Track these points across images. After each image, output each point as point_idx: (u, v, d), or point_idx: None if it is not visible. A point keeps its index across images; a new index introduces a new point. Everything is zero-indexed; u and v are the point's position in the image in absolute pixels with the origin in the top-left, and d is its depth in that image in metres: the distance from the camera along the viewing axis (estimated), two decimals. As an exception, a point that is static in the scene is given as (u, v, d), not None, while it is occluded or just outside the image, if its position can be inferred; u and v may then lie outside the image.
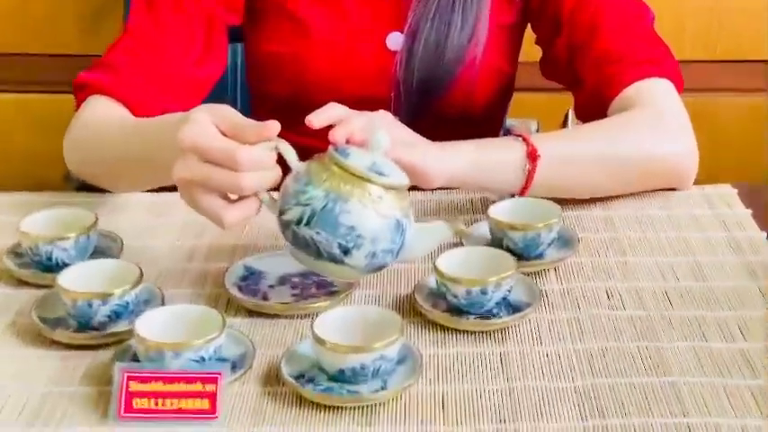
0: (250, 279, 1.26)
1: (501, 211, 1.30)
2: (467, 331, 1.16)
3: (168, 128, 1.15)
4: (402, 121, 1.34)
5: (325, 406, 1.05)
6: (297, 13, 1.53)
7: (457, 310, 1.18)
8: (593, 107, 1.46)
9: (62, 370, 1.11)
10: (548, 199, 1.31)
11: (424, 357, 1.11)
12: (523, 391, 1.07)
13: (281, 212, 1.13)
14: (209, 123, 1.11)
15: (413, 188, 1.26)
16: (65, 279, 1.16)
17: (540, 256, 1.28)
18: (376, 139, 1.16)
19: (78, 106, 1.44)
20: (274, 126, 1.10)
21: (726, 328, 1.16)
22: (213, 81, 1.53)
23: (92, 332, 1.15)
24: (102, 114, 1.40)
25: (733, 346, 1.12)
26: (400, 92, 1.52)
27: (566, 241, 1.31)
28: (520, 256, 1.26)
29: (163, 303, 1.20)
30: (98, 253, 1.31)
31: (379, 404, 1.05)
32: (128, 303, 1.16)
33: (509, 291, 1.18)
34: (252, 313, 1.21)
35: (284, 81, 1.55)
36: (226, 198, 1.13)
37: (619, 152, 1.38)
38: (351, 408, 1.05)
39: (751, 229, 1.36)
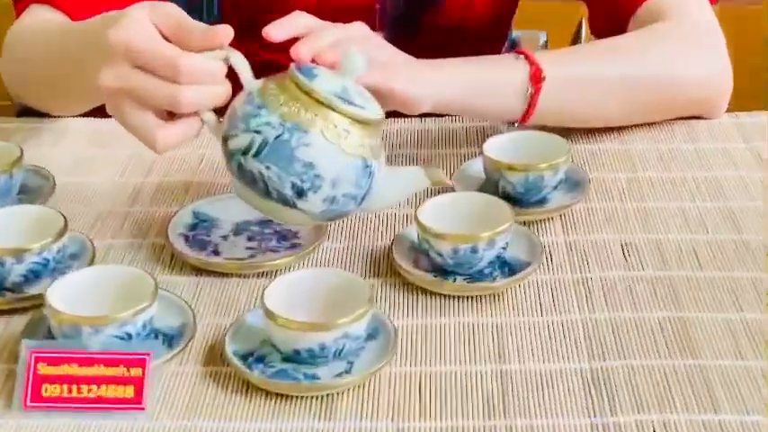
0: (200, 228, 1.07)
1: (497, 146, 1.10)
2: (452, 296, 0.97)
3: (101, 27, 0.97)
4: (387, 36, 1.15)
5: (277, 393, 0.86)
6: None
7: (441, 271, 0.98)
8: (610, 19, 1.28)
9: (-35, 342, 0.93)
10: (553, 131, 1.12)
11: (399, 331, 0.92)
12: (519, 376, 0.88)
13: (226, 138, 0.93)
14: (147, 23, 0.93)
15: (394, 113, 1.08)
16: (-28, 231, 0.97)
17: (542, 201, 1.08)
18: (350, 59, 0.95)
19: (18, 16, 1.28)
20: (226, 31, 0.93)
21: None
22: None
23: (4, 294, 0.97)
24: (42, 20, 1.24)
25: (774, 318, 0.93)
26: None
27: (574, 183, 1.11)
28: (519, 201, 1.07)
29: (93, 259, 1.01)
30: (24, 193, 1.13)
31: (343, 392, 0.86)
32: (48, 261, 0.97)
33: (504, 248, 0.98)
34: (199, 271, 1.02)
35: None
36: (162, 115, 0.94)
37: (640, 73, 1.19)
38: (308, 397, 0.86)
39: (793, 166, 1.16)
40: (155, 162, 1.20)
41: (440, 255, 0.97)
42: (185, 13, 0.95)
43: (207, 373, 0.89)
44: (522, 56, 1.14)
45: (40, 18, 1.24)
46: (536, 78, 1.13)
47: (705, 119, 1.25)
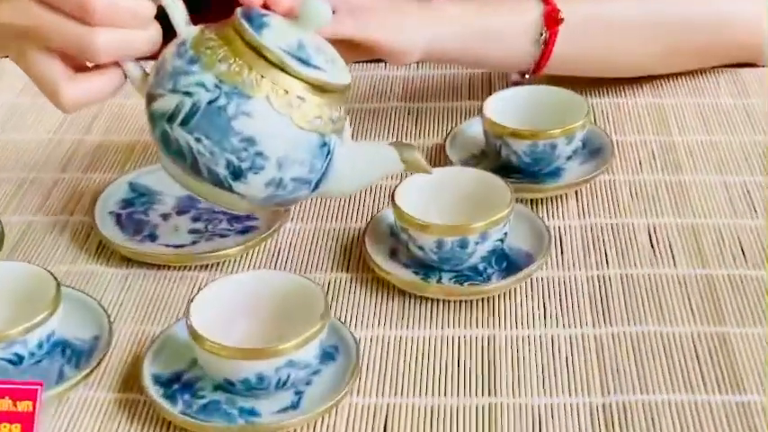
0: (137, 204, 0.88)
1: (499, 105, 0.90)
2: (435, 300, 0.78)
3: None
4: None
5: (205, 432, 0.69)
6: None
7: (423, 265, 0.79)
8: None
9: None
10: (565, 83, 0.92)
11: (364, 347, 0.73)
12: (514, 411, 0.69)
13: (150, 98, 0.74)
14: None
15: (378, 61, 0.87)
16: None
17: (554, 174, 0.89)
18: (310, 5, 0.75)
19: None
20: None
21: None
22: None
23: None
24: None
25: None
26: None
27: (593, 150, 0.91)
28: (524, 173, 0.88)
29: (1, 244, 0.83)
30: (-65, 156, 0.94)
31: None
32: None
33: (501, 240, 0.79)
34: (130, 261, 0.83)
35: None
36: (74, 64, 0.76)
37: (676, 10, 1.00)
38: (243, 438, 0.68)
39: None
40: (97, 117, 1.02)
41: (421, 249, 0.78)
42: None
43: (122, 402, 0.71)
44: (534, -7, 0.94)
45: None
46: (551, 19, 0.94)
47: (756, 66, 1.04)
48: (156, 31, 0.76)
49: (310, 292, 0.71)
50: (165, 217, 0.87)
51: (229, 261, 0.83)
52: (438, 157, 0.93)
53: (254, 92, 0.72)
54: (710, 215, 0.85)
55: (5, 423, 0.67)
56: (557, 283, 0.79)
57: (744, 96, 1.00)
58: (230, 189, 0.73)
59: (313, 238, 0.85)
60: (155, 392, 0.69)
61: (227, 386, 0.69)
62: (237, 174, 0.72)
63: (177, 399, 0.69)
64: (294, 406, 0.69)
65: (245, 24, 0.73)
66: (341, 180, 0.76)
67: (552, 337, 0.75)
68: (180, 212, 0.87)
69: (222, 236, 0.85)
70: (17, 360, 0.70)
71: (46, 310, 0.71)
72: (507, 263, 0.80)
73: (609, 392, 0.70)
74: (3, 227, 0.85)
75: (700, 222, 0.85)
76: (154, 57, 0.76)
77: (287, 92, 0.72)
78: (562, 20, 0.94)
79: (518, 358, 0.73)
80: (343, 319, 0.77)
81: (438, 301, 0.78)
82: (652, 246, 0.82)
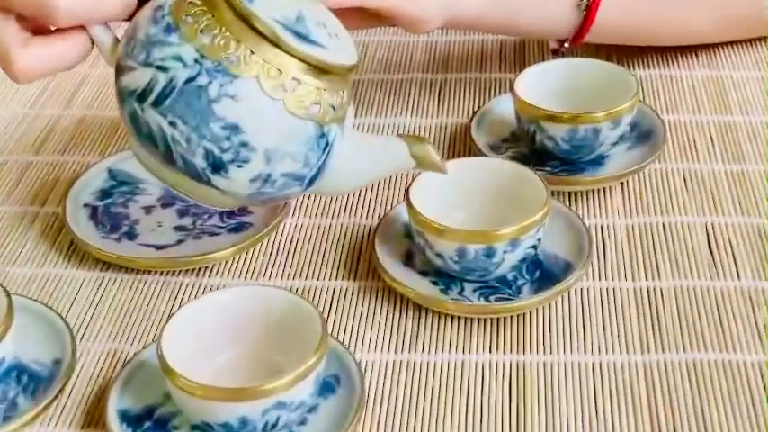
0: (116, 194, 0.77)
1: (534, 81, 0.78)
2: (455, 317, 0.67)
3: None
4: None
5: (179, 482, 0.58)
6: None
7: (442, 274, 0.68)
8: None
9: None
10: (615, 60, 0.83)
11: (371, 376, 0.62)
12: (545, 460, 0.58)
13: (119, 70, 0.62)
14: None
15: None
16: None
17: (596, 163, 0.77)
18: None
19: None
20: None
21: None
22: None
23: None
24: None
25: None
26: None
27: (642, 134, 0.79)
28: (561, 160, 0.76)
29: (-43, 243, 0.73)
30: None
31: (278, 482, 0.58)
32: None
33: (535, 247, 0.67)
34: (105, 264, 0.72)
35: None
36: (33, 27, 0.64)
37: None
38: (224, 490, 0.58)
39: None
40: (79, 89, 0.91)
41: (439, 256, 0.67)
42: None
43: (85, 439, 0.61)
44: (574, -52, 0.82)
45: None
46: (595, -19, 0.81)
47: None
48: None
49: (306, 314, 0.60)
50: (148, 210, 0.76)
51: (219, 264, 0.72)
52: (462, 141, 0.82)
53: (242, 71, 0.60)
54: (780, 214, 0.74)
55: (-57, 471, 0.57)
56: (598, 296, 0.68)
57: (815, 68, 0.88)
58: (209, 183, 0.61)
59: (315, 236, 0.74)
60: (120, 433, 0.59)
61: (206, 428, 0.58)
62: (218, 166, 0.60)
63: (147, 441, 0.59)
64: (284, 452, 0.58)
65: (235, -8, 0.61)
66: (339, 177, 0.64)
67: (590, 364, 0.63)
68: (165, 205, 0.76)
69: (212, 234, 0.74)
70: (-42, 393, 0.59)
71: (-7, 332, 0.60)
72: (541, 271, 0.68)
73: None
74: (-40, 221, 0.75)
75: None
76: (129, 20, 0.65)
77: (280, 72, 0.60)
78: (607, -20, 0.82)
79: (552, 389, 0.62)
80: (345, 341, 0.65)
81: (459, 318, 0.67)
82: (711, 251, 0.71)
